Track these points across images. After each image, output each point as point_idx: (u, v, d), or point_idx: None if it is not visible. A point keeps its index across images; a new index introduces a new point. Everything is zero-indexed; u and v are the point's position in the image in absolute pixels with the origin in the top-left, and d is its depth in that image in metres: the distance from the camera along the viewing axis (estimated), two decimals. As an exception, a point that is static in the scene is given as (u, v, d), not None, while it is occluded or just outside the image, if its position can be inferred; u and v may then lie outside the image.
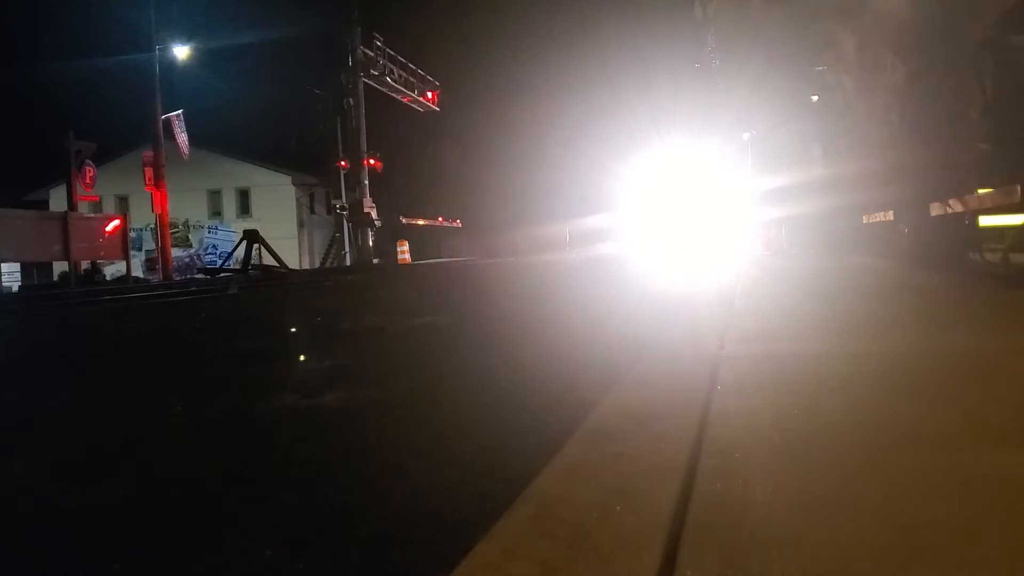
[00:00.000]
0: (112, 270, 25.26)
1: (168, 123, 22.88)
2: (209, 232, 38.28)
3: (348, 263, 29.33)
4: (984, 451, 1.81)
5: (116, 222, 20.07)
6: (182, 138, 23.37)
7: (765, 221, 29.67)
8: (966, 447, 1.86)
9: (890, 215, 12.83)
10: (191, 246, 38.30)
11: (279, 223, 34.48)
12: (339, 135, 29.91)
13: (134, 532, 1.99)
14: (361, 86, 29.75)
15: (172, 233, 27.25)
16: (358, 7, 29.12)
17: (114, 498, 2.23)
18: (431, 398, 3.49)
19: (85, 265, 19.69)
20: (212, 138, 34.83)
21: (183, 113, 23.87)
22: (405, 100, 33.72)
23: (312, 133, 32.14)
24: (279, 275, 21.36)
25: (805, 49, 18.33)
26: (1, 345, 7.00)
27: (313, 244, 37.37)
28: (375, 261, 29.11)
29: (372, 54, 29.98)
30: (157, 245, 24.17)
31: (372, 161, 31.09)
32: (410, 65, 33.06)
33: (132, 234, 22.89)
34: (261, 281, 18.12)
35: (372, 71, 30.05)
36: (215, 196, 38.59)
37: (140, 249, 33.54)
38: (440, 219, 40.33)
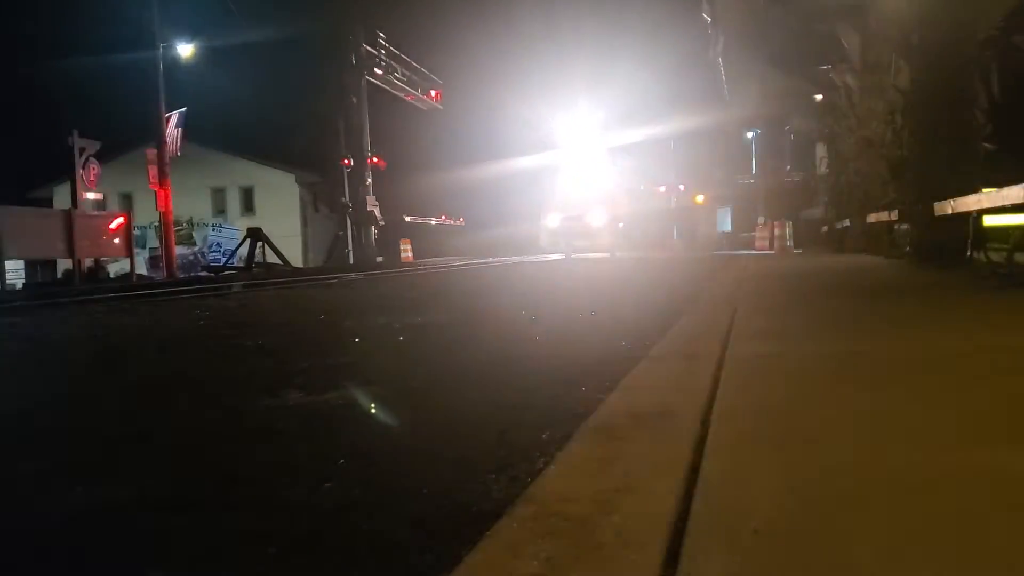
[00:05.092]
0: (116, 268, 25.31)
1: (168, 120, 22.94)
2: (213, 230, 38.31)
3: (351, 261, 29.35)
4: (986, 449, 1.81)
5: (120, 220, 20.12)
6: (175, 134, 23.35)
7: (767, 220, 29.60)
8: (967, 444, 1.86)
9: (894, 214, 12.82)
10: (195, 244, 38.35)
11: (283, 221, 34.54)
12: (342, 133, 29.93)
13: (136, 530, 2.00)
14: (364, 84, 29.81)
15: (176, 231, 27.29)
16: (361, 5, 29.14)
17: (118, 495, 2.23)
18: (432, 396, 3.50)
19: (89, 263, 19.74)
20: (216, 136, 34.94)
21: (185, 111, 23.90)
22: (408, 98, 33.76)
23: (316, 131, 32.17)
24: (283, 273, 21.39)
25: (809, 48, 18.30)
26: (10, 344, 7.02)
27: (317, 242, 37.42)
28: (379, 259, 29.15)
29: (375, 52, 30.02)
30: (161, 243, 24.21)
31: (375, 159, 31.13)
32: (413, 63, 33.09)
33: (136, 232, 22.93)
34: (265, 279, 18.14)
35: (375, 69, 30.10)
36: (219, 194, 38.66)
37: (144, 247, 33.58)
38: (443, 217, 40.38)
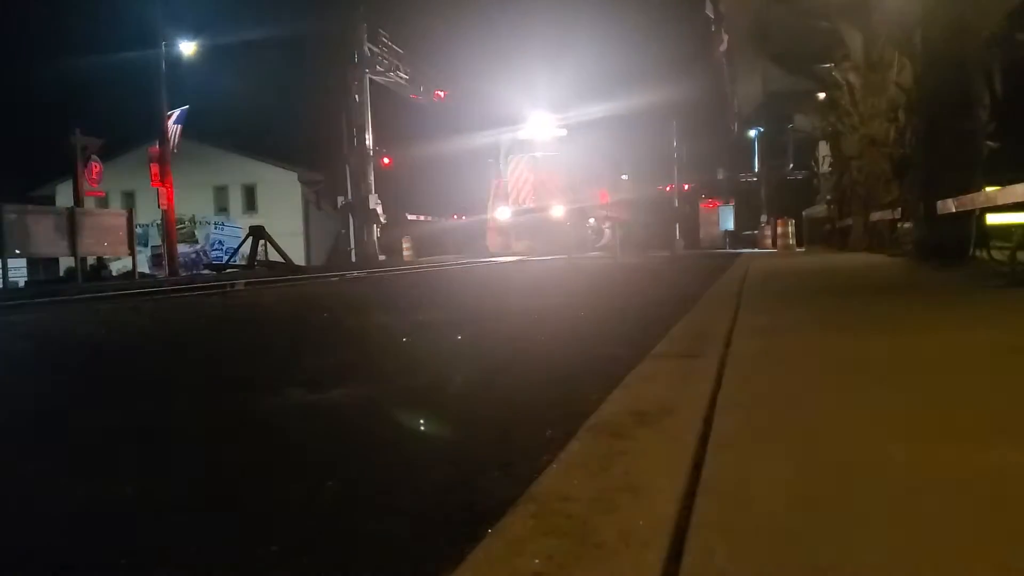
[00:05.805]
0: (118, 266, 25.35)
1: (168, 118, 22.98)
2: (215, 228, 38.35)
3: (353, 259, 29.35)
4: (987, 447, 1.80)
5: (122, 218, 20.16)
6: (174, 131, 23.35)
7: (770, 218, 29.56)
8: (971, 443, 1.86)
9: (897, 213, 12.81)
10: (197, 242, 38.38)
11: (285, 219, 34.54)
12: (345, 131, 29.94)
13: (137, 528, 2.00)
14: (367, 83, 29.81)
15: (178, 229, 27.30)
16: (364, 4, 29.12)
17: (118, 494, 2.24)
18: (434, 394, 3.50)
19: (91, 261, 19.78)
20: (218, 134, 34.96)
21: (187, 109, 23.92)
22: (412, 96, 33.75)
23: (318, 129, 32.20)
24: (285, 271, 21.39)
25: (811, 46, 18.27)
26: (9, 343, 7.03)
27: (319, 240, 37.43)
28: (381, 258, 29.14)
29: (378, 50, 30.02)
30: (163, 241, 24.22)
31: (380, 158, 31.13)
32: (416, 62, 33.08)
33: (138, 230, 22.95)
34: (268, 277, 18.16)
35: (378, 67, 30.10)
36: (221, 192, 38.68)
37: (146, 245, 33.63)
38: (446, 215, 40.33)
